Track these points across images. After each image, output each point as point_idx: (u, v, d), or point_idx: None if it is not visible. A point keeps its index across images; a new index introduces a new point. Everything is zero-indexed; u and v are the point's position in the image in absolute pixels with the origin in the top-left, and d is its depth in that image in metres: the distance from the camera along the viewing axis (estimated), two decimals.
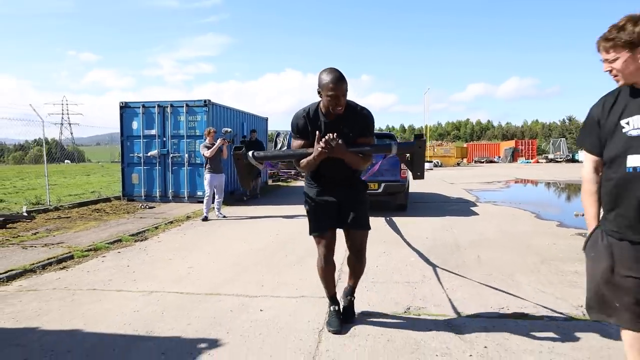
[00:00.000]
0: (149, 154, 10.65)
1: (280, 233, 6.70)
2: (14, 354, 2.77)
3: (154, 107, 10.60)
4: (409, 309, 3.43)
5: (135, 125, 10.76)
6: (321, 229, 2.98)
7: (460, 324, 3.10)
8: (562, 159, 39.00)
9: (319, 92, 2.73)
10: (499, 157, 45.69)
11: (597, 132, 1.88)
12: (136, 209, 9.54)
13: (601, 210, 1.93)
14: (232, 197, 10.89)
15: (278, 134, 19.85)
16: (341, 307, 3.20)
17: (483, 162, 42.87)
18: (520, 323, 3.11)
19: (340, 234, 3.04)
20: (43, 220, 8.05)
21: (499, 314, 3.28)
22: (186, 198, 10.45)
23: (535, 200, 11.52)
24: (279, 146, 18.99)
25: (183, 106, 10.45)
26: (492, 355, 2.64)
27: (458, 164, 37.08)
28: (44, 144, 11.16)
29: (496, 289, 3.87)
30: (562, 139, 48.17)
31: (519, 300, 3.57)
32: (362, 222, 2.97)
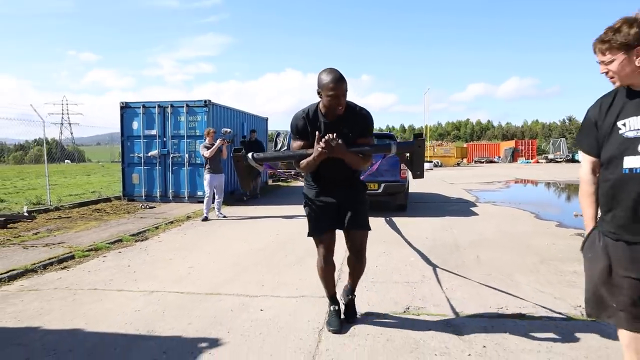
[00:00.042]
0: (149, 154, 10.67)
1: (280, 233, 6.72)
2: (16, 353, 2.79)
3: (155, 107, 10.62)
4: (408, 308, 3.45)
5: (135, 125, 10.79)
6: (320, 230, 2.99)
7: (459, 324, 3.12)
8: (562, 159, 39.00)
9: (318, 93, 2.74)
10: (499, 157, 45.69)
11: (594, 134, 1.89)
12: (136, 209, 9.56)
13: (599, 211, 1.95)
14: (232, 197, 10.91)
15: (278, 134, 19.87)
16: (341, 306, 3.22)
17: (483, 162, 42.87)
18: (518, 323, 3.13)
19: (340, 234, 3.06)
20: (44, 220, 8.07)
21: (497, 314, 3.30)
22: (186, 198, 10.47)
23: (534, 200, 11.54)
24: (279, 146, 19.01)
25: (183, 106, 10.47)
26: (491, 355, 2.66)
27: (458, 164, 37.09)
28: (44, 144, 11.18)
29: (495, 289, 3.89)
30: (562, 139, 48.19)
31: (518, 300, 3.59)
32: (361, 223, 2.98)
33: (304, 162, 2.81)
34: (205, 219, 8.06)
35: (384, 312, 3.37)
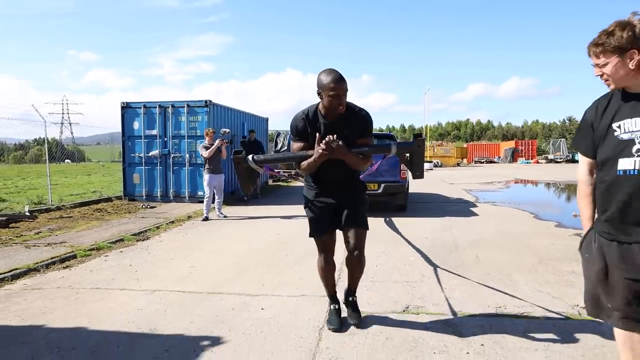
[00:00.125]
0: (150, 154, 10.70)
1: (281, 233, 6.76)
2: (21, 351, 2.83)
3: (155, 107, 10.66)
4: (407, 307, 3.49)
5: (136, 125, 10.82)
6: (321, 231, 3.02)
7: (458, 323, 3.16)
8: (562, 160, 38.99)
9: (319, 94, 2.76)
10: (499, 157, 45.67)
11: (591, 135, 1.92)
12: (137, 209, 9.59)
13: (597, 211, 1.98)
14: (233, 197, 10.95)
15: (278, 134, 19.89)
16: (341, 306, 3.25)
17: (483, 163, 42.85)
18: (517, 322, 3.16)
19: (340, 234, 3.09)
20: (45, 219, 8.10)
21: (496, 313, 3.34)
22: (187, 198, 10.50)
23: (534, 200, 11.57)
24: (279, 146, 19.04)
25: (184, 106, 10.50)
26: (489, 353, 2.69)
27: (458, 164, 37.10)
28: (45, 144, 11.22)
29: (494, 288, 3.92)
30: (562, 139, 48.20)
31: (516, 299, 3.62)
32: (360, 221, 2.99)
33: (304, 163, 2.83)
34: (206, 219, 8.09)
35: (383, 311, 3.41)
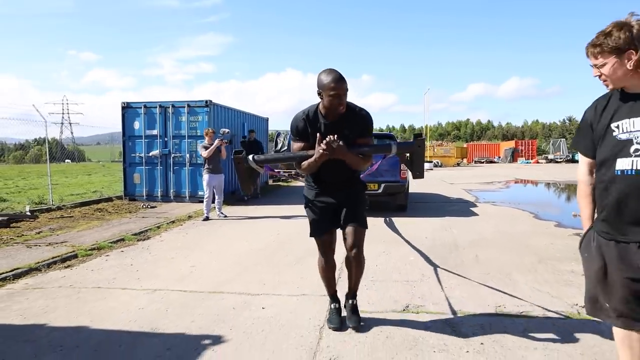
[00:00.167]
0: (150, 154, 10.72)
1: (281, 233, 6.78)
2: (24, 349, 2.85)
3: (156, 107, 10.68)
4: (407, 307, 3.51)
5: (137, 125, 10.84)
6: (321, 231, 3.04)
7: (457, 322, 3.18)
8: (562, 160, 39.01)
9: (319, 94, 2.78)
10: (499, 157, 45.70)
11: (590, 135, 1.93)
12: (138, 209, 9.61)
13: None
14: (233, 197, 10.97)
15: (278, 134, 19.91)
16: (342, 305, 3.27)
17: (483, 163, 42.87)
18: (516, 321, 3.18)
19: (340, 235, 3.11)
20: (46, 219, 8.12)
21: (496, 312, 3.35)
22: (187, 198, 10.52)
23: (534, 200, 11.59)
24: (279, 146, 19.06)
25: (184, 106, 10.52)
26: (489, 351, 2.71)
27: (458, 164, 37.12)
28: (46, 144, 11.25)
29: (494, 288, 3.94)
30: (562, 139, 48.21)
31: (516, 299, 3.64)
32: (358, 220, 2.99)
33: (305, 163, 2.84)
34: (207, 219, 8.11)
35: (383, 310, 3.42)
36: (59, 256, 5.20)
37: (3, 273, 4.49)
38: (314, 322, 3.19)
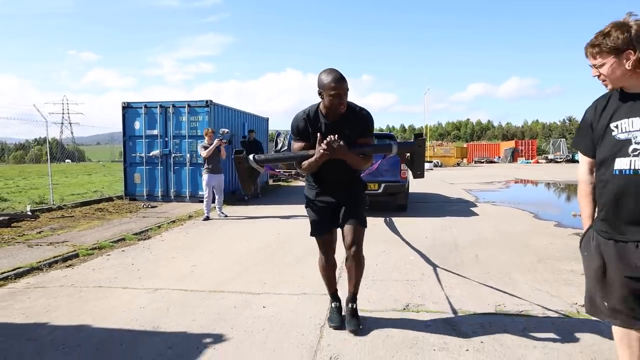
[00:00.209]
0: (151, 154, 10.74)
1: (281, 232, 6.79)
2: (27, 348, 2.86)
3: (156, 107, 10.69)
4: (408, 306, 3.52)
5: (137, 125, 10.85)
6: (322, 230, 3.05)
7: (457, 321, 3.19)
8: (562, 159, 39.03)
9: (320, 94, 2.78)
10: (499, 157, 45.71)
11: (590, 135, 1.95)
12: (138, 209, 9.63)
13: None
14: (234, 196, 10.98)
15: (278, 134, 19.93)
16: (342, 304, 3.28)
17: (483, 163, 42.88)
18: (516, 320, 3.20)
19: (340, 235, 3.12)
20: (47, 219, 8.14)
21: (495, 312, 3.37)
22: (188, 197, 10.53)
23: (534, 200, 11.60)
24: (279, 146, 19.08)
25: (185, 106, 10.53)
26: (488, 350, 2.72)
27: (458, 164, 37.13)
28: (47, 144, 11.26)
29: (493, 287, 3.95)
30: (562, 139, 48.22)
31: (516, 298, 3.65)
32: (358, 218, 2.99)
33: (305, 163, 2.85)
34: (207, 219, 8.12)
35: (384, 309, 3.44)
36: (60, 255, 5.21)
37: (5, 272, 4.51)
38: (315, 321, 3.21)
